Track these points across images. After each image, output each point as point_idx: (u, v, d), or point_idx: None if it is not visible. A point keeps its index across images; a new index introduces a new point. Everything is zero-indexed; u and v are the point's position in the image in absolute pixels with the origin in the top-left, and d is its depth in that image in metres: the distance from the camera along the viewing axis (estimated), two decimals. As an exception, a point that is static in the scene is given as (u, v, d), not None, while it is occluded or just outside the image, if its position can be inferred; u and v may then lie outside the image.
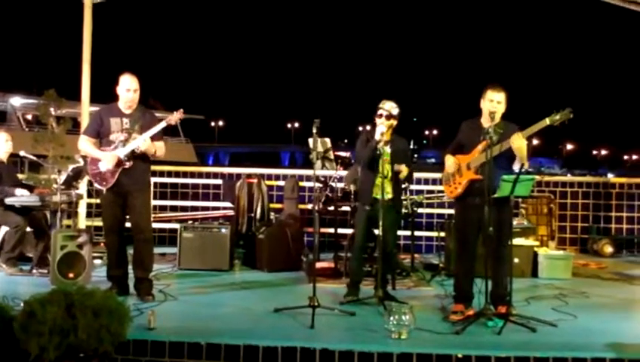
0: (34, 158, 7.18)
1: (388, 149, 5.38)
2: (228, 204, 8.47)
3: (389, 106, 5.44)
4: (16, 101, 29.84)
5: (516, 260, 6.31)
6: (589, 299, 5.78)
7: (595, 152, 79.14)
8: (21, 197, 6.42)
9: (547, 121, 4.62)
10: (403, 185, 5.92)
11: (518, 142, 4.64)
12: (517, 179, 4.62)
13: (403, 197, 6.56)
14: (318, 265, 6.37)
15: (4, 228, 6.53)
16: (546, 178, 9.35)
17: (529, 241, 6.91)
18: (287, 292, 5.81)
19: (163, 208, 9.04)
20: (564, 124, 4.62)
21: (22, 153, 6.90)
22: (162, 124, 5.23)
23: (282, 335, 4.25)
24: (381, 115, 5.41)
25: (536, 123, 4.67)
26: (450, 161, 5.01)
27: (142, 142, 5.14)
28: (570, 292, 5.91)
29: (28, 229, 6.49)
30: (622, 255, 8.58)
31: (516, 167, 4.75)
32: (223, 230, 6.85)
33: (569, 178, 10.85)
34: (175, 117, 5.32)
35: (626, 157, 74.17)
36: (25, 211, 6.47)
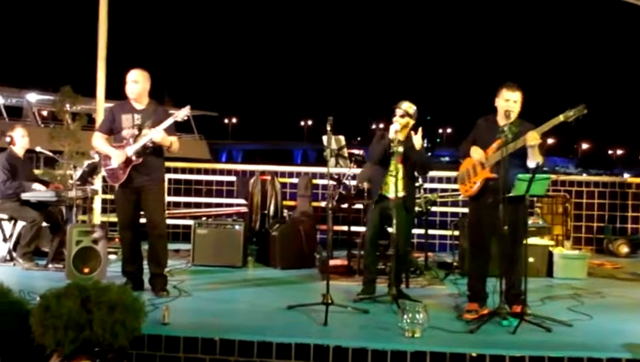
0: (50, 154, 7.24)
1: (401, 149, 5.35)
2: (241, 201, 8.49)
3: (405, 105, 5.43)
4: (33, 97, 30.15)
5: (531, 259, 6.26)
6: (604, 299, 5.73)
7: (610, 152, 78.40)
8: (37, 192, 6.49)
9: (561, 118, 4.58)
10: (417, 183, 5.89)
11: (533, 141, 4.60)
12: (533, 178, 4.59)
13: (417, 195, 6.54)
14: (332, 262, 6.36)
15: (21, 223, 6.59)
16: (562, 177, 9.28)
17: (544, 241, 6.86)
18: (300, 290, 5.81)
19: (177, 204, 9.08)
20: (578, 120, 4.57)
21: (38, 149, 6.96)
22: (170, 121, 5.22)
23: (296, 332, 4.25)
24: (395, 115, 5.41)
25: (550, 120, 4.63)
26: (478, 152, 4.91)
27: (155, 134, 5.14)
28: (586, 293, 5.86)
29: (44, 224, 6.55)
30: (637, 255, 8.46)
31: (531, 164, 4.70)
32: (237, 227, 6.86)
33: (585, 177, 10.77)
34: (182, 113, 5.28)
35: (642, 156, 73.34)
36: (41, 206, 6.53)
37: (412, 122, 5.46)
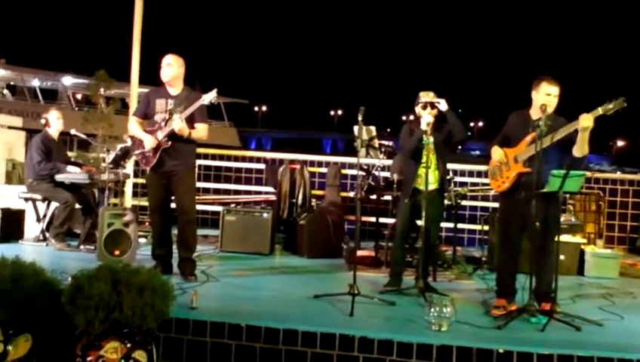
0: (83, 137, 7.34)
1: (431, 139, 5.30)
2: (270, 189, 8.52)
3: (432, 96, 5.36)
4: (68, 80, 30.61)
5: (562, 257, 6.17)
6: (636, 299, 5.62)
7: (646, 150, 76.53)
8: (71, 174, 6.59)
9: (600, 111, 4.45)
10: (448, 177, 5.81)
11: (588, 123, 4.42)
12: (567, 174, 4.49)
13: (447, 188, 6.48)
14: (359, 253, 6.34)
15: (54, 204, 6.72)
16: (596, 174, 9.11)
17: (576, 238, 6.75)
18: (326, 279, 5.82)
19: (206, 190, 9.16)
20: (617, 113, 4.45)
21: (72, 131, 7.06)
22: (196, 105, 5.19)
23: (322, 321, 4.25)
24: (426, 106, 5.33)
25: (589, 112, 4.51)
26: (497, 152, 4.92)
27: (174, 124, 5.15)
28: (617, 292, 5.76)
29: (76, 206, 6.67)
30: (671, 256, 8.31)
31: (577, 153, 4.57)
32: (265, 214, 6.89)
33: (619, 175, 10.55)
34: (209, 97, 5.20)
35: (678, 155, 71.41)
36: (74, 188, 6.64)
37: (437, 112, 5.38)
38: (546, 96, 4.69)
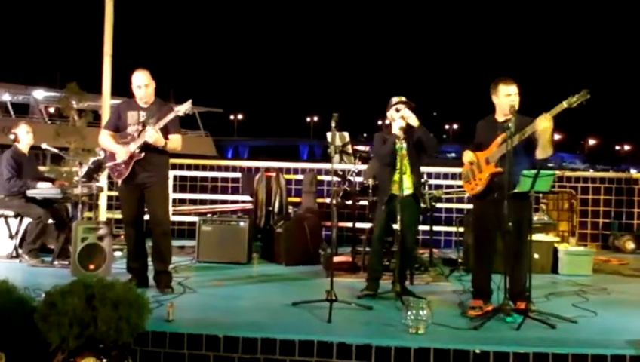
0: (55, 151, 7.25)
1: (404, 145, 5.33)
2: (246, 198, 8.49)
3: (403, 100, 5.39)
4: (39, 94, 30.25)
5: (536, 256, 6.28)
6: (609, 295, 5.71)
7: (618, 148, 77.99)
8: (43, 189, 6.51)
9: (564, 104, 4.52)
10: (422, 180, 5.84)
11: (544, 124, 4.51)
12: (537, 174, 4.56)
13: (422, 191, 6.52)
14: (336, 259, 6.36)
15: (27, 220, 6.62)
16: (568, 173, 9.25)
17: (549, 237, 6.83)
18: (304, 286, 5.81)
19: (182, 201, 9.10)
20: (582, 105, 4.52)
21: (44, 145, 6.97)
22: (170, 116, 5.19)
23: (300, 328, 4.26)
24: (399, 110, 5.36)
25: (553, 108, 4.58)
26: (467, 154, 4.96)
27: (148, 135, 5.13)
28: (591, 289, 5.84)
29: (49, 221, 6.58)
30: (644, 251, 8.46)
31: (540, 155, 4.64)
32: (242, 223, 6.87)
33: (591, 173, 10.74)
34: (184, 107, 5.21)
35: (649, 152, 72.82)
36: (46, 203, 6.55)
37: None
38: (506, 97, 4.78)
